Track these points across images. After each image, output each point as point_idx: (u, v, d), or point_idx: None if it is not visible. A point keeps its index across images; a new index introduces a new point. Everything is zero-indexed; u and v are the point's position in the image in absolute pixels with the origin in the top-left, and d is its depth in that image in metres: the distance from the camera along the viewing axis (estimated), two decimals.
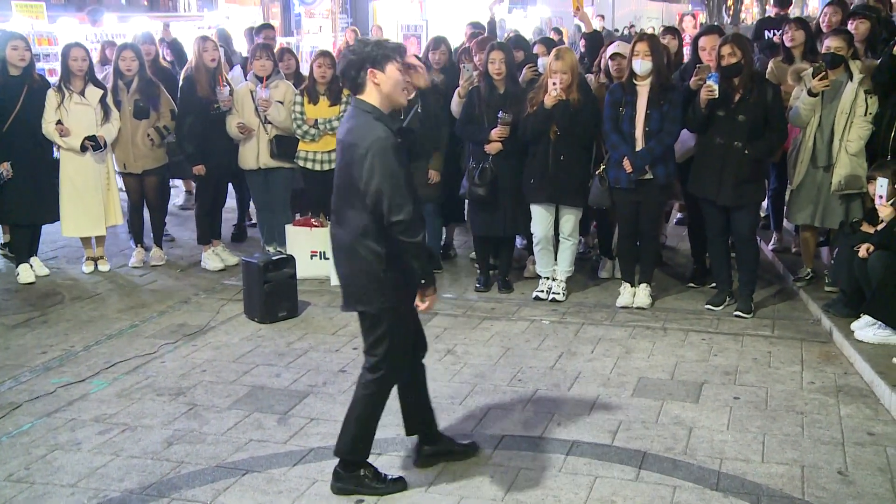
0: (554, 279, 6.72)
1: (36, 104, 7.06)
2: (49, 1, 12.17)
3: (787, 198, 7.11)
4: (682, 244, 7.98)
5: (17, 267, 7.32)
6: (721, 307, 6.35)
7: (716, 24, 16.19)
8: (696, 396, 4.93)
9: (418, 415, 4.21)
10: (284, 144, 7.32)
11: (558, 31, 14.42)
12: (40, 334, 6.08)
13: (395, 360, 3.94)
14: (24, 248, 7.36)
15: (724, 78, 5.93)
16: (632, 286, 6.53)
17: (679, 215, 8.71)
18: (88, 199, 7.31)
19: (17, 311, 6.58)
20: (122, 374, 5.33)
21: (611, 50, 6.75)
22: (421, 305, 3.83)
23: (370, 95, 3.76)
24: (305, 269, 6.95)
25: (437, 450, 4.23)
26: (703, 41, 6.56)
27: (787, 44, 7.22)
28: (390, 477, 4.03)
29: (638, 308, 6.42)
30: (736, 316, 6.20)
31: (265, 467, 4.19)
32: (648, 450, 4.30)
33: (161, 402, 4.95)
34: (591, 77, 7.03)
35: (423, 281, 3.78)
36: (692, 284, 6.91)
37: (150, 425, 4.65)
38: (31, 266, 7.33)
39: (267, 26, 9.86)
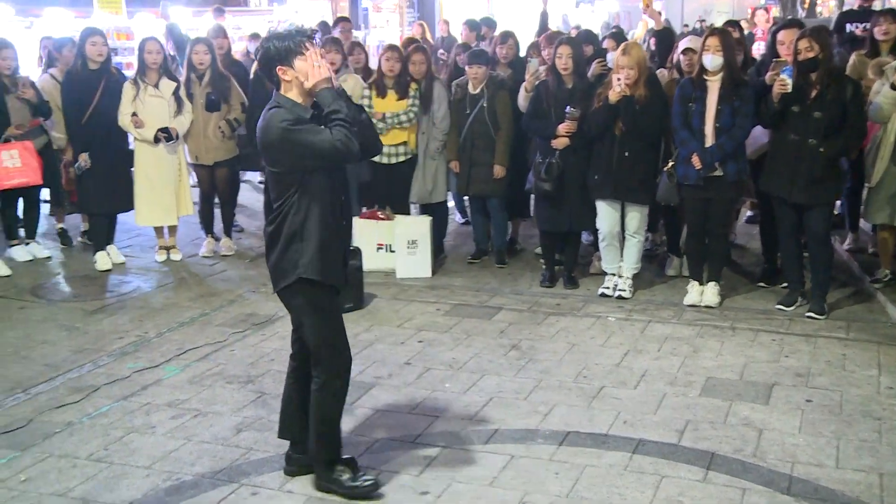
0: (620, 276, 6.66)
1: (113, 97, 7.24)
2: None
3: (863, 196, 6.93)
4: (752, 242, 7.83)
5: (94, 255, 7.53)
6: (793, 308, 6.22)
7: (793, 17, 15.82)
8: (767, 398, 4.84)
9: (297, 421, 4.04)
10: None
11: (577, 28, 14.19)
12: (116, 320, 6.25)
13: (332, 342, 3.84)
14: (101, 237, 7.58)
15: (799, 73, 5.80)
16: (700, 284, 6.44)
17: (750, 213, 8.56)
18: (161, 190, 7.48)
19: (95, 298, 6.77)
20: (194, 361, 5.45)
21: (683, 45, 6.65)
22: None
23: (288, 90, 3.72)
24: (372, 261, 7.01)
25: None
26: (781, 35, 6.42)
27: (879, 37, 7.01)
28: (367, 479, 3.93)
29: (706, 307, 6.32)
30: (808, 317, 6.06)
31: None
32: (717, 451, 4.24)
33: (231, 389, 5.05)
34: (663, 72, 6.95)
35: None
36: (762, 284, 6.78)
37: (220, 412, 4.74)
38: (108, 254, 7.54)
39: (343, 19, 9.95)
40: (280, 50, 3.67)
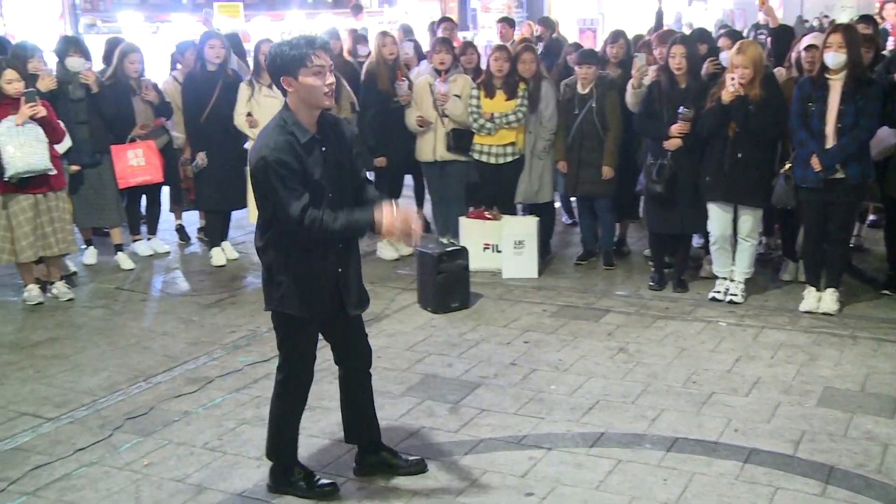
0: (732, 280, 6.48)
1: (229, 98, 7.47)
2: (245, 1, 12.86)
3: None
4: (876, 247, 7.50)
5: (210, 250, 7.79)
6: None
7: None
8: (892, 411, 4.62)
9: (356, 425, 4.10)
10: (461, 138, 7.42)
11: (690, 26, 13.75)
12: (230, 314, 6.45)
13: (293, 366, 3.88)
14: (216, 233, 7.84)
15: None
16: (817, 290, 6.21)
17: (873, 217, 8.19)
18: None
19: (210, 292, 7.01)
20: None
21: (806, 41, 6.42)
22: (399, 237, 3.71)
23: (291, 101, 3.61)
24: (478, 261, 7.02)
25: (379, 460, 4.10)
26: None
27: None
28: (323, 482, 3.95)
29: (824, 314, 6.09)
30: None
31: (436, 455, 4.26)
32: (836, 464, 4.07)
33: (338, 385, 5.11)
34: (781, 71, 6.73)
35: (373, 229, 3.61)
36: (887, 291, 6.47)
37: (328, 407, 4.82)
38: (223, 250, 7.79)
39: (446, 19, 10.02)
40: (286, 59, 3.52)
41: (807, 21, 17.24)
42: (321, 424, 4.61)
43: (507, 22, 10.35)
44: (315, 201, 3.57)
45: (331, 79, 3.57)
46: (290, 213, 3.50)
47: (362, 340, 4.08)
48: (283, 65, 3.53)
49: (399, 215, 3.56)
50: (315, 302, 3.75)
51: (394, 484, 4.00)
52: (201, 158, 7.47)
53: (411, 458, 4.15)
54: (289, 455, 3.97)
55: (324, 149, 3.66)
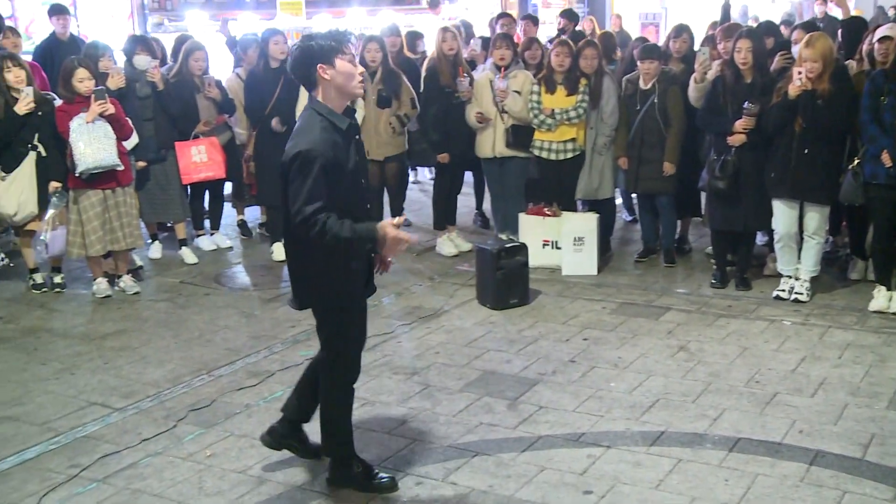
0: (797, 278, 6.35)
1: (291, 94, 7.55)
2: None
3: None
4: None
5: (271, 245, 7.90)
6: None
7: None
8: None
9: (304, 403, 4.12)
10: (520, 134, 7.39)
11: (756, 19, 13.31)
12: (290, 309, 6.47)
13: (345, 359, 3.92)
14: (277, 228, 7.93)
15: None
16: (888, 290, 6.04)
17: None
18: None
19: (271, 286, 7.10)
20: (362, 352, 5.59)
21: (880, 33, 6.24)
22: (390, 254, 3.76)
23: (323, 93, 3.65)
24: (537, 257, 6.99)
25: (291, 437, 4.13)
26: None
27: None
28: (382, 476, 3.98)
29: (894, 314, 5.93)
30: None
31: (494, 451, 4.26)
32: None
33: (397, 380, 5.16)
34: (851, 64, 6.56)
35: (369, 248, 3.61)
36: None
37: (386, 402, 4.86)
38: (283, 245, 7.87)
39: (505, 15, 9.98)
40: (324, 48, 3.59)
41: (881, 6, 16.74)
42: (379, 419, 4.64)
43: (568, 16, 10.28)
44: (349, 191, 3.63)
45: (361, 68, 3.69)
46: (303, 210, 3.48)
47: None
48: (319, 52, 3.59)
49: (394, 237, 3.54)
50: (358, 285, 3.83)
51: (451, 479, 4.01)
52: (276, 122, 7.45)
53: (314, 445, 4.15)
54: (346, 448, 4.01)
55: (357, 137, 3.76)
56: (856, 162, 5.95)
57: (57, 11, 9.28)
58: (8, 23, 7.98)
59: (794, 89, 5.87)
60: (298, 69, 3.69)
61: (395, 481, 3.99)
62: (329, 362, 3.93)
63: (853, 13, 9.65)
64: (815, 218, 6.20)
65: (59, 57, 8.15)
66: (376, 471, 4.01)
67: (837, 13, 9.96)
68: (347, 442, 4.00)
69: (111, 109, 6.44)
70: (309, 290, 3.81)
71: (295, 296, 3.91)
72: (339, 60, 3.60)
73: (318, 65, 3.60)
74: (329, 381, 3.96)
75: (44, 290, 6.93)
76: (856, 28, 7.39)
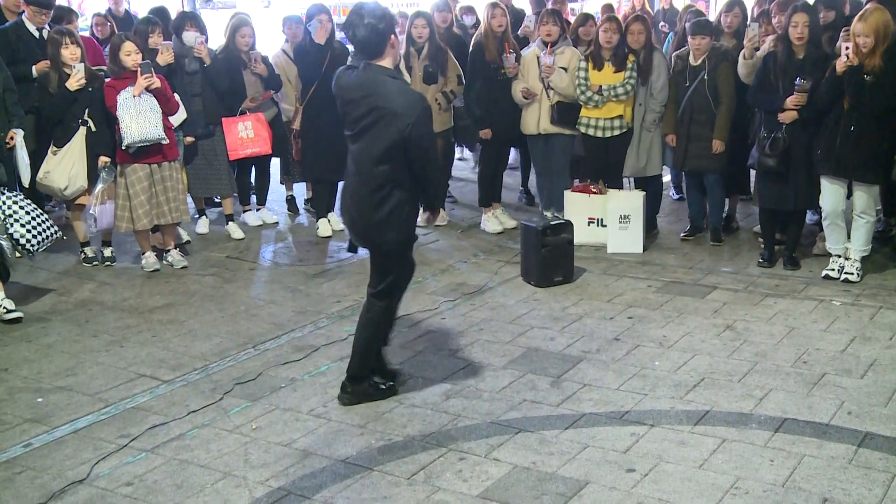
0: (847, 258, 6.24)
1: (337, 69, 7.55)
2: None
3: None
4: None
5: (317, 221, 7.95)
6: None
7: None
8: None
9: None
10: (566, 111, 7.33)
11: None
12: (335, 284, 6.57)
13: (401, 288, 4.63)
14: (322, 204, 7.98)
15: None
16: None
17: None
18: None
19: (316, 262, 7.16)
20: (406, 328, 5.64)
21: None
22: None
23: (387, 60, 4.21)
24: (582, 235, 6.96)
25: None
26: None
27: None
28: (387, 384, 4.64)
29: None
30: None
31: (538, 428, 4.27)
32: None
33: (441, 356, 5.18)
34: None
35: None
36: None
37: (430, 377, 4.88)
38: (329, 221, 7.92)
39: None
40: (392, 21, 4.23)
41: None
42: (423, 395, 4.67)
43: None
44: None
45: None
46: (435, 152, 4.36)
47: None
48: (389, 25, 4.16)
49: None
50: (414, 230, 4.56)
51: (494, 456, 4.02)
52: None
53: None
54: (368, 368, 4.59)
55: None
56: None
57: None
58: (61, 1, 8.07)
59: (840, 65, 5.75)
60: (374, 38, 4.15)
61: (395, 386, 4.65)
62: (386, 293, 4.49)
63: None
64: (863, 197, 6.07)
65: (113, 33, 8.26)
66: (381, 382, 4.63)
67: None
68: (370, 363, 4.59)
69: (157, 83, 6.51)
70: (385, 231, 4.32)
71: (362, 239, 4.47)
72: (396, 33, 4.26)
73: (391, 36, 4.18)
74: (383, 311, 4.52)
75: (94, 263, 7.07)
76: None
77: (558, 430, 4.25)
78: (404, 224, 4.36)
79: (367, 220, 4.33)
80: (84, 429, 4.41)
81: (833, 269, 6.27)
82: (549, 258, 6.33)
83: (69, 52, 6.60)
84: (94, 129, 6.73)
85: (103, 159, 6.71)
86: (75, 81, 6.57)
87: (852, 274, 6.18)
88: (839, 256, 6.28)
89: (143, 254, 6.96)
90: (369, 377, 4.60)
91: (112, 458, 4.11)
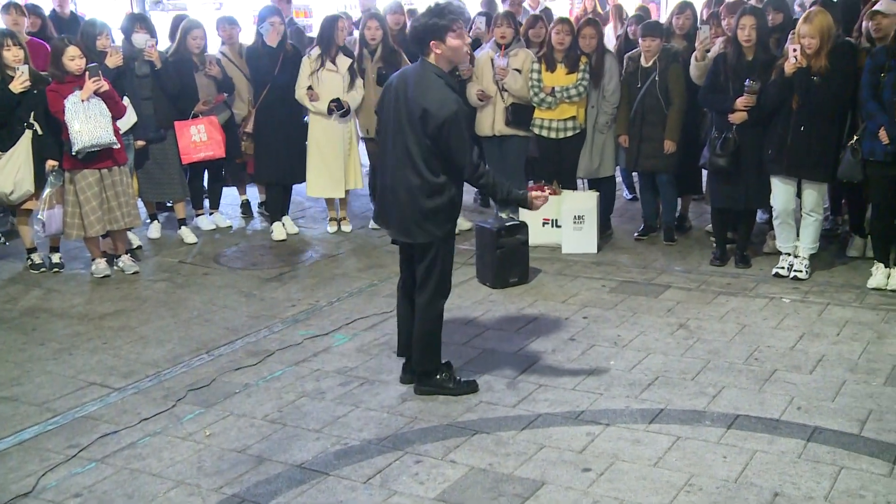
0: (796, 256, 6.35)
1: (290, 72, 7.51)
2: None
3: None
4: None
5: (271, 225, 7.88)
6: None
7: None
8: None
9: (409, 340, 4.75)
10: (520, 113, 7.35)
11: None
12: (290, 288, 6.52)
13: (448, 284, 4.61)
14: (276, 207, 7.92)
15: None
16: (886, 267, 6.04)
17: None
18: (331, 163, 7.71)
19: (270, 266, 7.09)
20: (362, 331, 5.61)
21: (877, 7, 6.19)
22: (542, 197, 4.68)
23: (436, 59, 4.28)
24: (537, 236, 6.98)
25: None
26: None
27: None
28: (463, 379, 4.68)
29: (893, 291, 5.93)
30: None
31: (494, 429, 4.27)
32: None
33: (396, 359, 5.14)
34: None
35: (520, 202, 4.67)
36: None
37: (386, 381, 4.87)
38: (283, 224, 7.87)
39: None
40: (433, 26, 4.20)
41: None
42: (379, 398, 4.65)
43: None
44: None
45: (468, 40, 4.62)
46: (472, 159, 4.26)
47: None
48: (431, 30, 4.21)
49: (540, 198, 4.68)
50: (454, 227, 4.62)
51: (451, 458, 4.01)
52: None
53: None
54: (437, 360, 4.67)
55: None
56: (854, 139, 5.93)
57: None
58: None
59: (788, 66, 5.84)
60: (413, 42, 4.44)
61: (476, 382, 4.69)
62: (437, 284, 4.53)
63: None
64: (813, 195, 6.18)
65: (59, 34, 8.08)
66: (458, 376, 4.69)
67: None
68: (439, 354, 4.66)
69: (105, 86, 6.40)
70: (432, 226, 4.39)
71: (409, 234, 4.46)
72: (450, 37, 4.23)
73: (430, 41, 4.23)
74: (434, 303, 4.58)
75: (42, 269, 6.93)
76: (853, 4, 7.32)
77: (514, 430, 4.25)
78: (450, 213, 4.45)
79: (401, 213, 4.41)
80: (30, 440, 4.31)
81: (783, 267, 6.37)
82: (505, 259, 6.35)
83: (11, 54, 6.47)
84: (40, 132, 6.60)
85: (51, 163, 6.59)
86: (19, 84, 6.43)
87: (801, 271, 6.28)
88: (789, 255, 6.38)
89: (93, 259, 6.84)
90: (441, 368, 4.68)
91: (60, 469, 4.03)
